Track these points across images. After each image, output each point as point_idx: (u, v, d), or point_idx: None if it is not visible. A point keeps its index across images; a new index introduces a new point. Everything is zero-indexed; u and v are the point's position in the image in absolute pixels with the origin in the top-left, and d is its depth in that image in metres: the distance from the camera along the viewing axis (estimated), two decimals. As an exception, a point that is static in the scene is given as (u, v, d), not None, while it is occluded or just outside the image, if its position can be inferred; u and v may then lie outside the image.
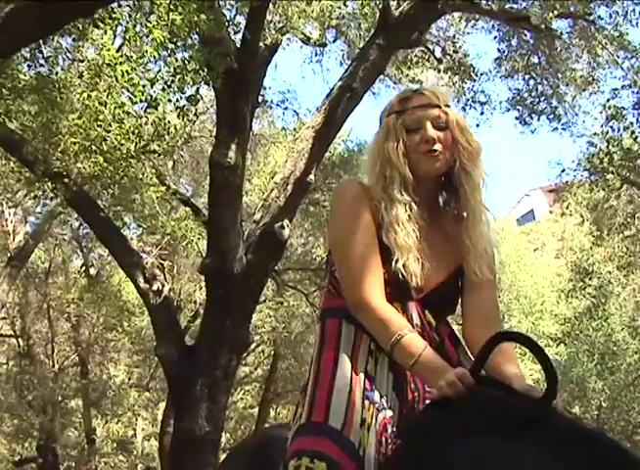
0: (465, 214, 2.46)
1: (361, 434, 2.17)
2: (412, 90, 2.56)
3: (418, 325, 2.34)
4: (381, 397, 2.25)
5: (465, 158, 2.43)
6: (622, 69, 12.51)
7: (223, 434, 11.69)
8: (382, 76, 11.89)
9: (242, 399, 22.18)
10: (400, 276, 2.31)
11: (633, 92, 12.42)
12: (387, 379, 2.28)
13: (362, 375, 2.27)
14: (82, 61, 9.14)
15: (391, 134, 2.45)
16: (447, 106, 2.49)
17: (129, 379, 21.46)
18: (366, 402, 2.23)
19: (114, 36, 9.19)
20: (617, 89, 12.52)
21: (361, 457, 2.13)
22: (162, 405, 18.81)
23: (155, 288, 10.19)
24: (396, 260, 2.31)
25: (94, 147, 8.46)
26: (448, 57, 13.02)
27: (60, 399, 19.65)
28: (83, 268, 18.24)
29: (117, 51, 8.35)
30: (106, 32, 8.22)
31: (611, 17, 11.87)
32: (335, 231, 2.52)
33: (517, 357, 2.33)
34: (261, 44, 10.05)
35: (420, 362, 2.16)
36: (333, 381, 2.27)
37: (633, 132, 12.04)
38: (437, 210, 2.51)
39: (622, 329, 20.65)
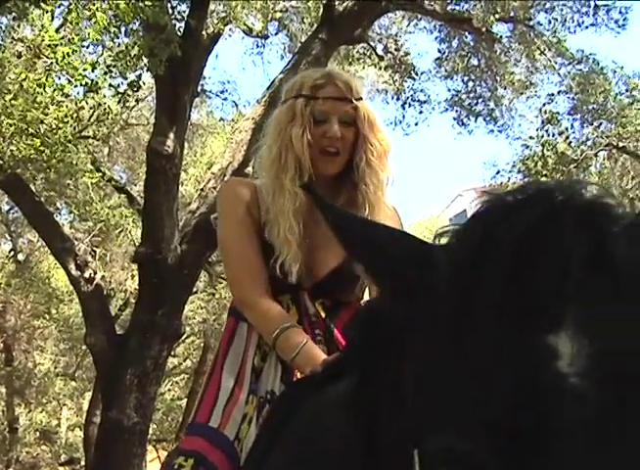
0: (364, 208, 2.39)
1: (240, 428, 2.21)
2: (326, 75, 2.44)
3: (312, 314, 2.35)
4: (267, 391, 2.27)
5: (373, 155, 2.37)
6: (559, 74, 12.75)
7: (150, 425, 11.58)
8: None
9: (169, 390, 22.01)
10: (279, 273, 2.30)
11: (569, 98, 12.67)
12: (274, 372, 2.30)
13: (249, 370, 2.31)
14: (21, 41, 8.95)
15: (298, 120, 2.35)
16: (360, 99, 2.41)
17: (55, 367, 21.10)
18: (250, 397, 2.26)
19: (52, 17, 9.02)
20: (553, 94, 12.75)
21: (236, 450, 2.17)
22: (88, 395, 18.55)
23: (86, 275, 10.06)
24: (276, 257, 2.30)
25: (30, 129, 8.29)
26: (390, 55, 13.09)
27: (-18, 386, 19.30)
28: (11, 253, 17.86)
29: (57, 32, 8.20)
30: (46, 12, 8.06)
31: (550, 23, 12.12)
32: (218, 236, 2.50)
33: None
34: (203, 33, 9.98)
35: (299, 356, 2.16)
36: (220, 382, 2.32)
37: (567, 137, 12.27)
38: (336, 199, 2.40)
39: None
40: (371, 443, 1.30)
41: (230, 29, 12.26)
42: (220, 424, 2.22)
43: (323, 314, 2.38)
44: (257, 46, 13.58)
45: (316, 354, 2.15)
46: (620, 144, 12.24)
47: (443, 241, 1.18)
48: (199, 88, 10.88)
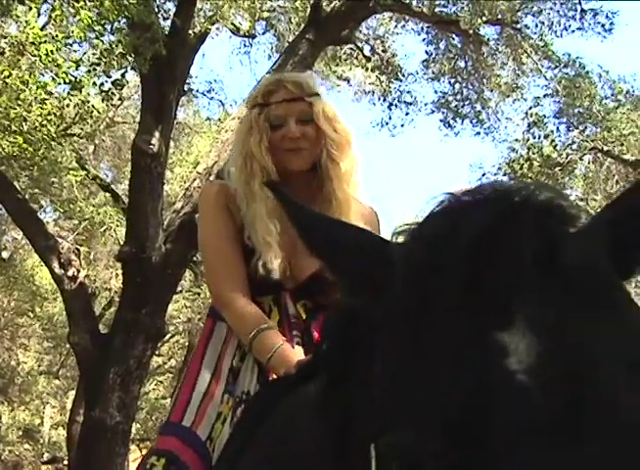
0: (332, 203, 2.41)
1: (214, 427, 2.22)
2: (275, 80, 2.49)
3: (292, 315, 2.37)
4: (243, 392, 2.27)
5: (333, 148, 2.39)
6: (545, 78, 12.79)
7: (133, 424, 11.55)
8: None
9: (154, 389, 21.99)
10: (262, 272, 2.31)
11: (555, 101, 12.72)
12: (251, 372, 2.30)
13: (226, 370, 2.33)
14: (5, 37, 8.90)
15: (254, 129, 2.40)
16: (315, 95, 2.44)
17: (39, 366, 21.05)
18: (225, 397, 2.28)
19: (38, 14, 8.98)
20: (539, 97, 12.81)
21: (208, 450, 2.18)
22: (72, 394, 18.49)
23: (70, 274, 10.00)
24: (257, 258, 2.32)
25: (14, 127, 8.24)
26: (377, 56, 13.11)
27: (-35, 384, 19.21)
28: (-5, 251, 17.79)
29: (42, 29, 8.16)
30: (30, 9, 8.01)
31: (537, 26, 12.14)
32: (199, 236, 2.53)
33: None
34: (190, 32, 9.95)
35: (274, 357, 2.18)
36: (196, 381, 2.34)
37: (553, 140, 12.32)
38: (309, 200, 2.38)
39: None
40: (344, 444, 1.29)
41: (217, 29, 12.24)
42: (193, 423, 2.24)
43: (304, 316, 2.39)
44: (245, 45, 13.57)
45: (290, 356, 2.15)
46: (605, 148, 12.29)
47: (401, 239, 1.18)
48: (185, 87, 10.85)
